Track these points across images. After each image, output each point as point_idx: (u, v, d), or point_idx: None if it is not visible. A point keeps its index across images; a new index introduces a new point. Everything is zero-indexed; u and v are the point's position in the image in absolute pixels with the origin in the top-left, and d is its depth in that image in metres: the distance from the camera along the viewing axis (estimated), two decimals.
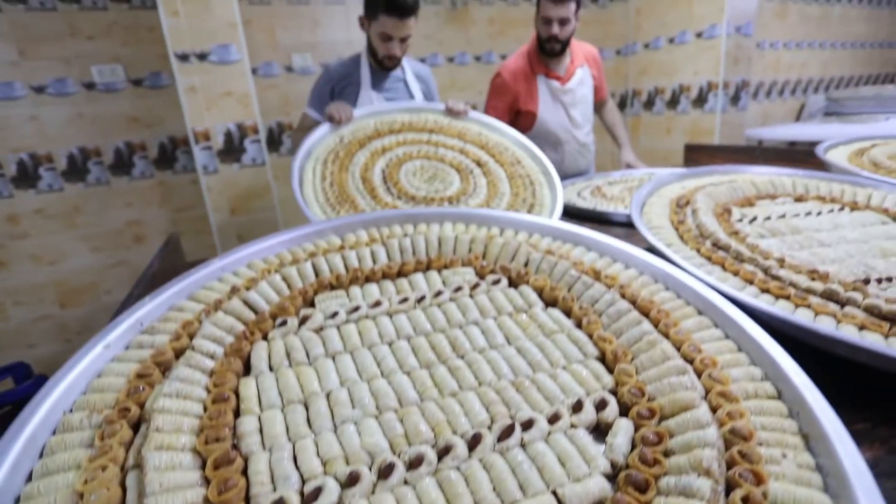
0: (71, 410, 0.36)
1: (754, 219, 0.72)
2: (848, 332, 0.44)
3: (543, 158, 1.17)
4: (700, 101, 2.74)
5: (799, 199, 0.81)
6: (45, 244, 2.06)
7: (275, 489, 0.29)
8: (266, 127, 2.28)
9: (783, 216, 0.73)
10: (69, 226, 2.10)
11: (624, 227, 0.97)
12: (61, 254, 2.10)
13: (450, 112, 1.29)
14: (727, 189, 0.80)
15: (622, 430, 0.33)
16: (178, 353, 0.41)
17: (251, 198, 1.89)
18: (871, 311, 0.47)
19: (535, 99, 1.64)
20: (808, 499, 0.29)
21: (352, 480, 0.29)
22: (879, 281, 0.55)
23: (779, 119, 4.42)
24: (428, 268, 0.54)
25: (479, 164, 1.11)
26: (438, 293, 0.49)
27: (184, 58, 1.64)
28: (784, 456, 0.32)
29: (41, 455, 0.32)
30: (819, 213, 0.75)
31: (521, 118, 1.66)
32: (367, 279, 0.53)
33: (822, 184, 0.85)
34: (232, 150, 1.80)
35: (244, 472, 0.30)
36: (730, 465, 0.31)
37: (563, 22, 1.53)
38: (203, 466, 0.31)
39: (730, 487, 0.30)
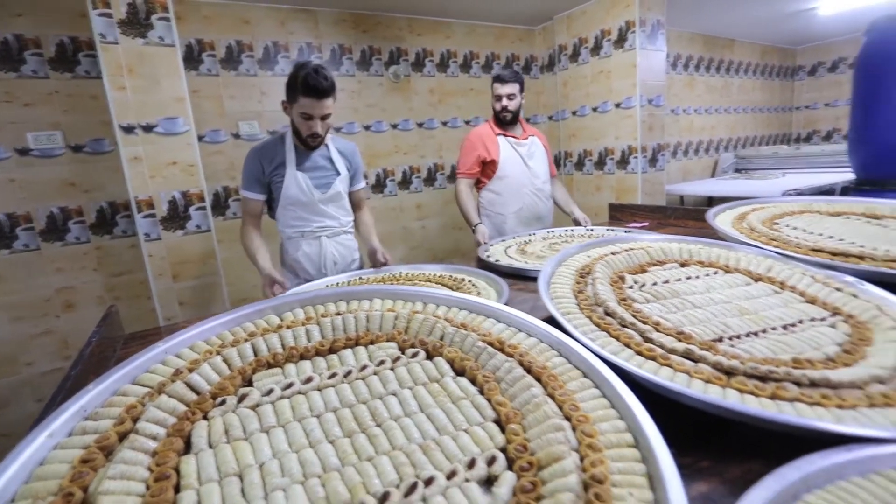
0: (13, 500, 0.39)
1: (643, 285, 0.85)
2: (695, 388, 0.56)
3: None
4: (623, 162, 3.06)
5: (683, 265, 0.96)
6: None
7: None
8: (212, 191, 2.32)
9: (667, 281, 0.87)
10: None
11: None
12: None
13: (375, 262, 1.44)
14: (624, 258, 0.94)
15: (506, 482, 0.42)
16: (122, 437, 0.45)
17: (195, 263, 1.90)
18: (716, 366, 0.59)
19: (496, 150, 2.10)
20: None
21: None
22: (731, 338, 0.68)
23: (697, 174, 4.95)
24: (357, 343, 0.62)
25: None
26: (364, 367, 0.57)
27: (129, 129, 1.69)
28: (630, 494, 0.41)
29: None
30: (697, 277, 0.90)
31: (487, 167, 2.12)
32: (302, 356, 0.59)
33: (703, 249, 1.01)
34: (176, 217, 1.83)
35: None
36: None
37: (510, 97, 2.08)
38: None
39: None
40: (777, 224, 1.28)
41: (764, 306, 0.78)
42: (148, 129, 1.70)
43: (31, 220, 2.02)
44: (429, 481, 0.41)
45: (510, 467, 0.44)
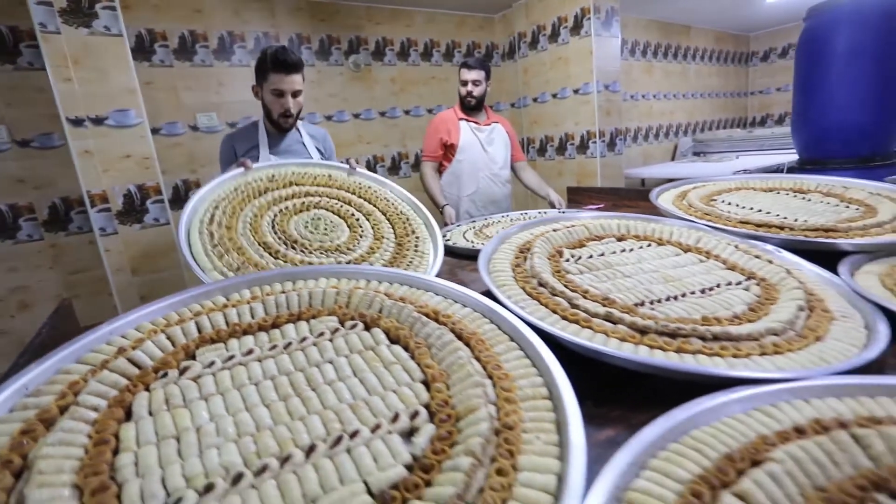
0: None
1: (579, 258, 0.91)
2: (610, 345, 0.61)
3: (425, 210, 1.33)
4: (583, 147, 3.14)
5: (620, 239, 1.02)
6: None
7: None
8: (171, 185, 2.28)
9: (602, 254, 0.93)
10: None
11: None
12: None
13: (350, 169, 1.42)
14: (564, 234, 1.00)
15: (425, 433, 0.46)
16: (63, 410, 0.47)
17: (154, 257, 1.88)
18: (632, 326, 0.64)
19: (457, 134, 2.20)
20: (545, 464, 0.42)
21: (207, 489, 0.39)
22: (652, 302, 0.74)
23: (658, 158, 5.10)
24: (299, 318, 0.65)
25: (365, 214, 1.24)
26: (304, 339, 0.60)
27: (77, 122, 1.65)
28: (538, 438, 0.46)
29: None
30: (631, 250, 0.96)
31: (448, 150, 2.22)
32: (245, 332, 0.62)
33: (639, 224, 1.08)
34: (132, 210, 1.80)
35: (118, 497, 0.39)
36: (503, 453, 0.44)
37: (475, 83, 2.16)
38: (81, 498, 0.38)
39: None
40: (714, 200, 1.36)
41: (687, 274, 0.84)
42: (98, 121, 1.66)
43: None
44: (354, 434, 0.45)
45: (432, 421, 0.48)
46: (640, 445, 0.43)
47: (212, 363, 0.55)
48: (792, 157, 3.82)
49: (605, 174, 3.11)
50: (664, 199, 1.38)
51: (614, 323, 0.66)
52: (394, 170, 3.25)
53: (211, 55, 2.39)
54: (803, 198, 1.31)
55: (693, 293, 0.77)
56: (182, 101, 2.33)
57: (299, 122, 1.62)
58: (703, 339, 0.62)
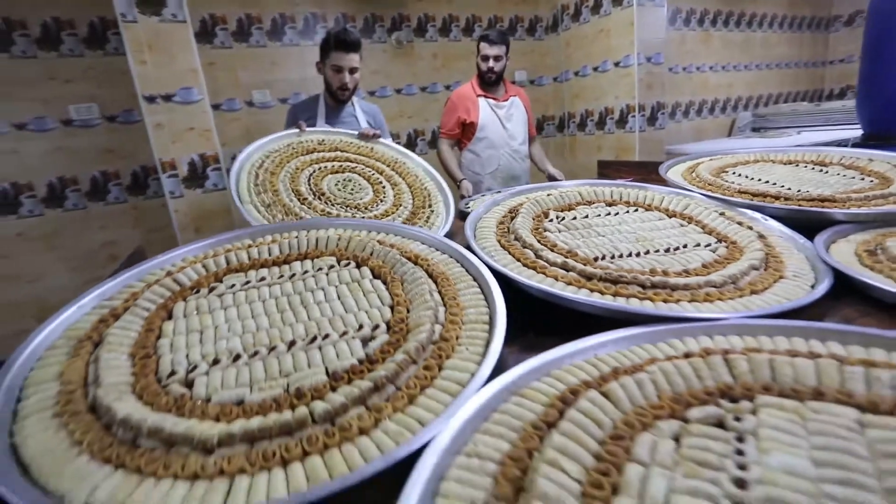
0: (52, 346, 0.58)
1: (563, 219, 0.98)
2: (556, 287, 0.70)
3: (447, 190, 1.42)
4: (622, 121, 3.08)
5: (610, 204, 1.08)
6: (25, 265, 2.25)
7: (173, 370, 0.53)
8: (229, 156, 2.52)
9: (586, 216, 1.00)
10: (48, 248, 2.30)
11: None
12: (40, 273, 2.29)
13: (362, 136, 1.54)
14: (556, 197, 1.07)
15: (380, 340, 0.58)
16: (126, 310, 0.64)
17: (213, 218, 2.12)
18: (581, 273, 0.73)
19: (476, 112, 2.17)
20: (465, 366, 0.53)
21: (215, 362, 0.53)
22: (613, 257, 0.81)
23: (712, 134, 4.82)
24: (305, 257, 0.79)
25: (392, 184, 1.36)
26: (306, 272, 0.74)
27: (151, 99, 1.88)
28: (466, 349, 0.57)
29: (31, 369, 0.55)
30: (616, 214, 1.02)
31: (467, 128, 2.20)
32: (262, 266, 0.77)
33: (631, 191, 1.12)
34: (195, 177, 2.04)
35: (157, 364, 0.54)
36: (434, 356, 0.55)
37: (497, 59, 2.12)
38: (133, 360, 0.54)
39: None
40: (725, 172, 1.35)
41: (661, 235, 0.90)
42: (167, 98, 1.89)
43: (78, 182, 2.29)
44: (325, 336, 0.58)
45: (388, 333, 0.60)
46: (545, 359, 0.52)
47: (233, 285, 0.70)
48: (859, 132, 3.51)
49: (644, 149, 3.04)
50: (674, 171, 1.40)
51: (567, 270, 0.74)
52: (433, 143, 3.35)
53: (265, 36, 2.57)
54: (821, 170, 1.28)
55: (657, 251, 0.83)
56: (239, 80, 2.55)
57: (354, 98, 1.78)
58: (642, 286, 0.69)
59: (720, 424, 0.42)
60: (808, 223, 0.93)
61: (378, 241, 0.83)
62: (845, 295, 0.71)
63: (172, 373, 0.52)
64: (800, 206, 1.00)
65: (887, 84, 2.49)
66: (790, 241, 0.89)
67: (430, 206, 1.33)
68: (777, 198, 1.05)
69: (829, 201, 1.00)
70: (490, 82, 2.19)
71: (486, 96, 2.19)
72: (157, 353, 0.56)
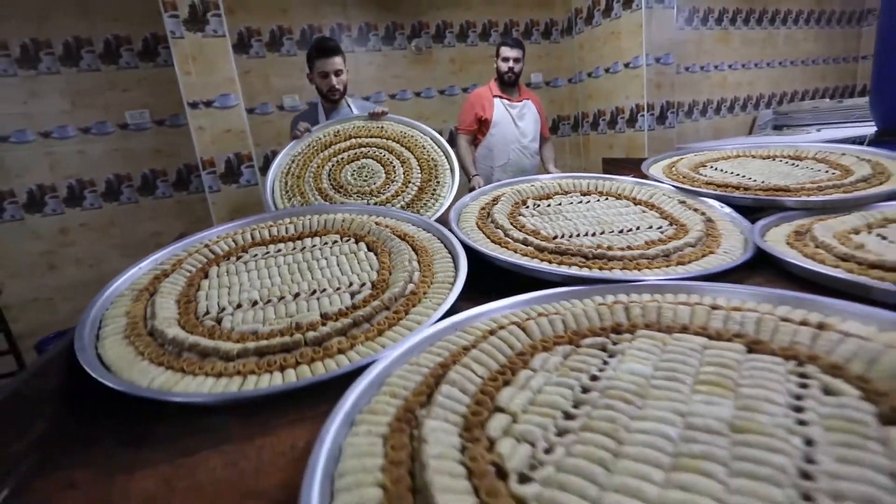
0: (121, 294, 0.76)
1: (539, 206, 1.11)
2: (517, 258, 0.83)
3: (450, 151, 1.53)
4: (632, 120, 3.14)
5: (585, 194, 1.20)
6: (87, 250, 2.53)
7: (207, 310, 0.70)
8: (262, 154, 2.74)
9: (560, 204, 1.12)
10: (106, 236, 2.57)
11: None
12: (99, 258, 2.57)
13: (373, 116, 1.66)
14: (536, 188, 1.19)
15: (364, 293, 0.73)
16: (174, 272, 0.81)
17: (246, 210, 2.34)
18: (537, 248, 0.85)
19: (491, 110, 2.38)
20: (425, 311, 0.67)
21: (238, 306, 0.70)
22: (571, 236, 0.93)
23: (731, 133, 4.77)
24: (315, 235, 0.95)
25: (402, 161, 1.47)
26: (314, 246, 0.90)
27: (194, 105, 2.10)
28: (430, 299, 0.71)
29: (106, 309, 0.73)
30: (588, 202, 1.13)
31: (483, 124, 2.41)
32: (280, 241, 0.93)
33: (606, 183, 1.23)
34: (231, 173, 2.25)
35: (196, 308, 0.71)
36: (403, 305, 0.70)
37: (516, 60, 2.35)
38: (179, 304, 0.71)
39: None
40: (704, 167, 1.44)
41: (621, 220, 1.01)
42: (208, 104, 2.11)
43: (131, 179, 2.55)
44: (322, 290, 0.74)
45: (372, 290, 0.75)
46: (490, 307, 0.65)
47: (255, 255, 0.87)
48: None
49: (654, 148, 3.08)
50: (658, 166, 1.49)
51: (527, 245, 0.87)
52: (450, 142, 3.49)
53: (295, 45, 2.78)
54: (793, 164, 1.35)
55: (611, 232, 0.95)
56: (272, 86, 2.76)
57: (349, 98, 1.93)
58: (585, 257, 0.81)
59: (603, 349, 0.54)
60: (768, 211, 1.02)
61: (375, 223, 0.98)
62: (766, 268, 0.81)
63: (207, 312, 0.69)
64: (756, 195, 1.09)
65: None
66: (738, 225, 0.99)
67: (436, 178, 1.40)
68: (737, 188, 1.14)
69: (782, 191, 1.09)
70: (509, 83, 2.38)
71: (501, 97, 2.38)
72: (196, 301, 0.72)
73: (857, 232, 0.90)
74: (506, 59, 2.32)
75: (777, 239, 0.90)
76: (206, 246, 0.90)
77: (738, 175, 1.29)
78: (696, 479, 0.32)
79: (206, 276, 0.81)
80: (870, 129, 3.46)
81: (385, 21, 3.07)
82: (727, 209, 1.07)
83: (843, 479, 0.32)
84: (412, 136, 1.59)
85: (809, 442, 0.35)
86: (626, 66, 3.05)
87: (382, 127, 1.61)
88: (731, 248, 0.87)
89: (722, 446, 0.35)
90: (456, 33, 3.28)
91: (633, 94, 3.07)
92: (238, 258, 0.86)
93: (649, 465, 0.34)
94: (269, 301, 0.71)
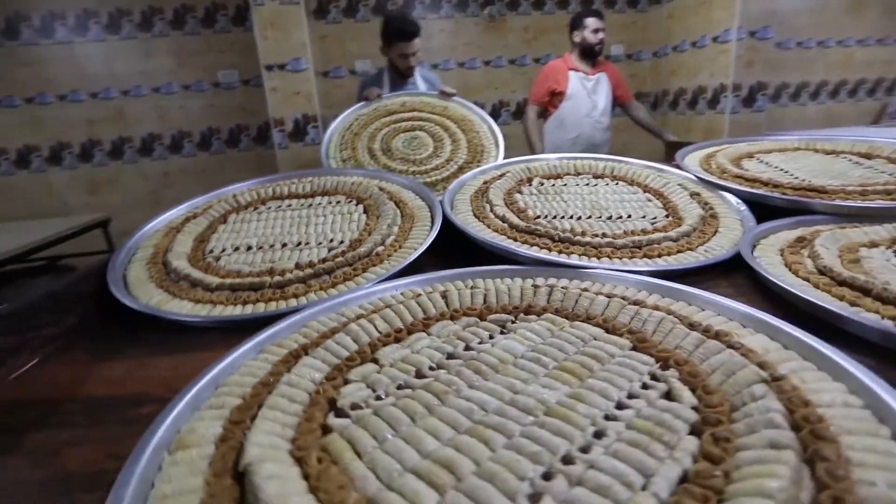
0: (156, 230, 0.92)
1: (543, 185, 1.11)
2: (498, 240, 0.86)
3: (501, 143, 1.51)
4: (714, 102, 2.84)
5: (598, 177, 1.16)
6: (183, 193, 2.91)
7: (212, 250, 0.83)
8: (331, 117, 2.91)
9: (565, 185, 1.11)
10: (198, 181, 2.94)
11: None
12: None
13: (442, 94, 1.71)
14: (546, 167, 1.18)
15: (339, 249, 0.82)
16: (202, 213, 0.96)
17: (309, 166, 2.52)
18: (516, 228, 0.88)
19: (566, 83, 2.35)
20: (380, 272, 0.75)
21: (236, 249, 0.82)
22: (554, 217, 0.94)
23: (851, 121, 4.11)
24: (324, 194, 1.05)
25: (453, 141, 1.50)
26: (319, 203, 1.00)
27: (269, 68, 2.29)
28: (390, 262, 0.78)
29: (143, 240, 0.89)
30: (595, 185, 1.11)
31: (555, 97, 2.37)
32: (294, 197, 1.05)
33: (623, 167, 1.19)
34: (298, 132, 2.44)
35: (206, 246, 0.85)
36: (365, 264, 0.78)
37: (604, 31, 2.30)
38: (195, 242, 0.85)
39: None
40: (751, 158, 1.32)
41: (619, 206, 0.98)
42: (282, 67, 2.28)
43: (220, 133, 2.87)
44: (307, 243, 0.84)
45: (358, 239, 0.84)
46: (434, 276, 0.71)
47: (269, 207, 0.99)
48: None
49: (736, 133, 2.77)
50: (694, 155, 1.37)
51: (504, 222, 0.90)
52: (518, 114, 3.42)
53: (370, 12, 2.86)
54: (857, 163, 1.20)
55: (600, 217, 0.94)
56: (347, 50, 2.89)
57: (416, 68, 1.99)
58: (552, 239, 0.83)
59: (503, 325, 0.58)
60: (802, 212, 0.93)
61: (379, 187, 1.06)
62: (747, 274, 0.76)
63: (211, 251, 0.82)
64: (783, 194, 1.00)
65: None
66: (745, 224, 0.93)
67: (478, 162, 1.45)
68: (767, 184, 1.05)
69: (816, 191, 0.99)
70: (596, 54, 2.33)
71: (577, 69, 2.34)
72: (208, 241, 0.86)
73: (873, 245, 0.81)
74: (596, 31, 2.27)
75: (773, 244, 0.83)
76: (234, 196, 1.04)
77: (781, 171, 1.18)
78: (472, 444, 0.35)
79: (225, 222, 0.95)
80: None
81: None
82: (743, 206, 1.00)
83: (596, 468, 0.32)
84: (471, 121, 1.61)
85: (599, 434, 0.37)
86: (715, 39, 2.73)
87: (446, 107, 1.66)
88: (716, 247, 0.83)
89: (522, 423, 0.37)
90: (532, 1, 3.15)
91: (718, 71, 2.76)
92: (255, 209, 0.99)
93: (446, 425, 0.38)
94: (260, 248, 0.83)
